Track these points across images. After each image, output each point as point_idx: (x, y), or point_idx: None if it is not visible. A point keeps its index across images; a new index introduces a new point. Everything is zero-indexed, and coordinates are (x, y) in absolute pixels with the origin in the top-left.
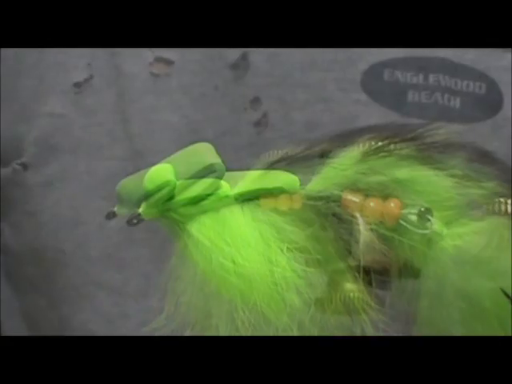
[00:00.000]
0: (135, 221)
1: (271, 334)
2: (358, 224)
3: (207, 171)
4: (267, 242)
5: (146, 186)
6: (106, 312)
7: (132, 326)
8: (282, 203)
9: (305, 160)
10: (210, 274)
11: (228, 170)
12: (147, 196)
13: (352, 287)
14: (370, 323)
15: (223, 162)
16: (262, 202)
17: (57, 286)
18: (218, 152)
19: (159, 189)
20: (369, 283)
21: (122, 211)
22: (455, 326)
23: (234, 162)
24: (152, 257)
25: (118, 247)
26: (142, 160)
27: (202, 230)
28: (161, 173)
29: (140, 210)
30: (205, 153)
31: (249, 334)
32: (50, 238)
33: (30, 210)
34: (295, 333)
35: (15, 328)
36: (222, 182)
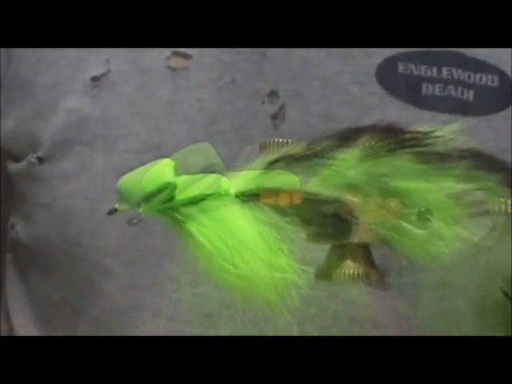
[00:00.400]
0: (135, 221)
1: (271, 333)
2: (357, 224)
3: (207, 171)
4: (267, 243)
5: (146, 187)
6: (120, 304)
7: (147, 318)
8: (282, 200)
9: (304, 160)
10: (212, 272)
11: (234, 167)
12: (147, 197)
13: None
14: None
15: (223, 161)
16: (262, 199)
17: (71, 279)
18: (235, 145)
19: (159, 191)
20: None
21: (124, 208)
22: (457, 324)
23: (252, 155)
24: (168, 248)
25: (133, 239)
26: (159, 153)
27: (202, 231)
28: (161, 173)
29: (140, 210)
30: (204, 153)
31: (249, 332)
32: (65, 230)
33: (44, 202)
34: (295, 333)
35: (26, 324)
36: (222, 181)
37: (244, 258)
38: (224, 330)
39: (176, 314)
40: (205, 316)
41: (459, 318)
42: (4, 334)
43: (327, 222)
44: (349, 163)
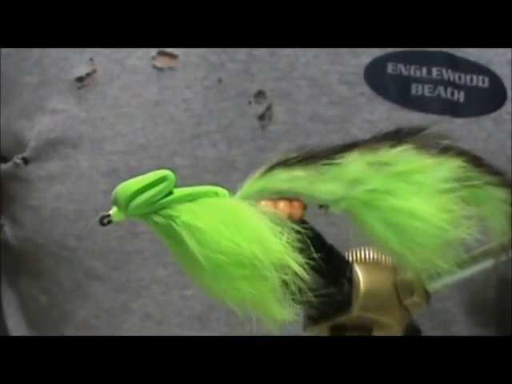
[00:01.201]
0: (105, 221)
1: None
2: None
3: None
4: (267, 228)
5: (145, 180)
6: (108, 307)
7: (135, 321)
8: (282, 210)
9: (304, 163)
10: (209, 261)
11: (232, 163)
12: (144, 189)
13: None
14: None
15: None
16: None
17: (58, 282)
18: (222, 146)
19: (157, 183)
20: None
21: (119, 216)
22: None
23: (239, 156)
24: (155, 250)
25: (120, 241)
26: (145, 154)
27: (199, 217)
28: (160, 171)
29: (133, 205)
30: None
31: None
32: (51, 232)
33: (31, 204)
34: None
35: (18, 326)
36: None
37: (244, 238)
38: (213, 332)
39: (164, 316)
40: (194, 318)
41: (449, 317)
42: None
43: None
44: (349, 158)
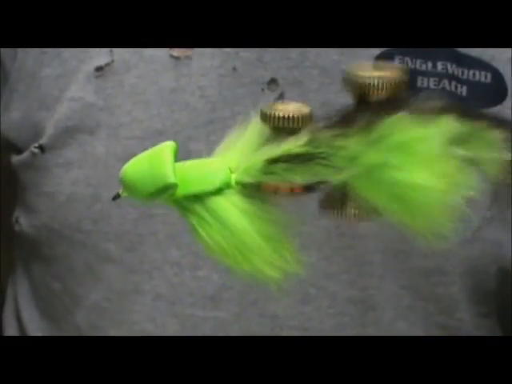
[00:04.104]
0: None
1: (271, 314)
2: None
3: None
4: (269, 236)
5: (147, 189)
6: (120, 289)
7: (146, 302)
8: (283, 188)
9: (306, 159)
10: None
11: None
12: (149, 197)
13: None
14: None
15: None
16: (263, 188)
17: (71, 267)
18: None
19: (161, 192)
20: None
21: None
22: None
23: None
24: (169, 232)
25: (135, 223)
26: (161, 139)
27: (204, 226)
28: (161, 172)
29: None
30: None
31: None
32: (67, 217)
33: (47, 190)
34: (294, 313)
35: (32, 318)
36: (224, 174)
37: (246, 249)
38: (225, 312)
39: (177, 297)
40: (206, 299)
41: (453, 303)
42: (14, 331)
43: None
44: (348, 142)
